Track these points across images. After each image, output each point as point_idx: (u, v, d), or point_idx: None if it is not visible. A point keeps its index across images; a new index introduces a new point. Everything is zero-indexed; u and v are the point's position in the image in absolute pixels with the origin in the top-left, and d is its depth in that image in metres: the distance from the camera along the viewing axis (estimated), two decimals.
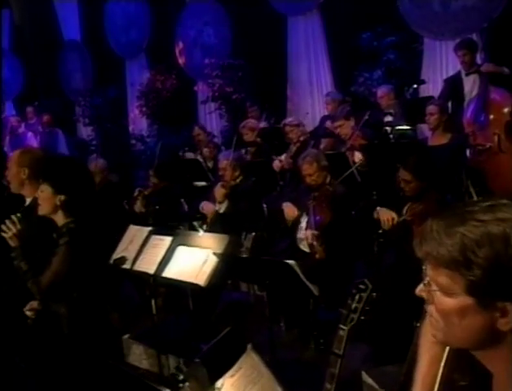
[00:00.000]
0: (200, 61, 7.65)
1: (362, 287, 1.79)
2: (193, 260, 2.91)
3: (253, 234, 2.85)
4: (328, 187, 3.59)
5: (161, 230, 3.35)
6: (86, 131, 9.91)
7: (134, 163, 8.31)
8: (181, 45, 8.05)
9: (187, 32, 8.00)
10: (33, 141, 8.96)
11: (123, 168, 8.52)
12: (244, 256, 2.74)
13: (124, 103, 9.34)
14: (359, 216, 4.00)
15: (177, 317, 3.97)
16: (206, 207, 3.99)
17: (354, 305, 1.79)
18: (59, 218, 2.13)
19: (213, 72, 7.14)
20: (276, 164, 4.94)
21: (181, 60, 8.07)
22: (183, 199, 4.63)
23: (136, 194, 4.37)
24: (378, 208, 3.31)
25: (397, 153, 3.61)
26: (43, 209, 2.12)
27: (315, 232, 3.33)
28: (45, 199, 2.08)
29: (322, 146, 5.50)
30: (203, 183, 5.16)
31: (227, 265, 2.69)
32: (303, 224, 3.52)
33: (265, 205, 4.14)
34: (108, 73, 9.23)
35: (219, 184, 3.95)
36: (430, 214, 2.96)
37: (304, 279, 2.41)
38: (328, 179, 3.71)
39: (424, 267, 0.94)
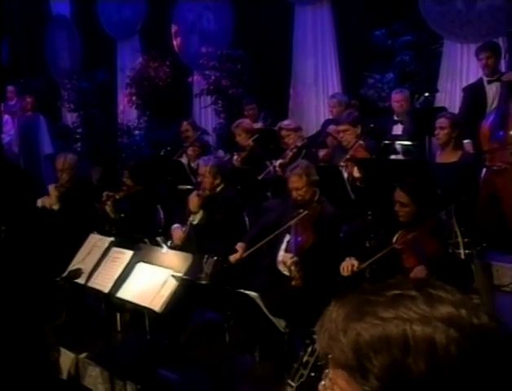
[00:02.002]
0: (197, 49, 7.60)
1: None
2: (152, 280, 2.88)
3: (215, 258, 2.79)
4: (316, 205, 3.52)
5: (123, 241, 3.31)
6: (71, 118, 9.87)
7: (118, 157, 8.27)
8: (177, 29, 7.99)
9: (186, 15, 7.95)
10: (10, 125, 8.90)
11: (109, 161, 8.49)
12: (203, 282, 2.69)
13: (113, 90, 9.30)
14: (350, 239, 3.94)
15: (140, 336, 3.91)
16: (175, 233, 3.97)
17: (305, 359, 1.73)
18: None
19: (209, 63, 7.08)
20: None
21: (176, 47, 8.01)
22: (159, 206, 4.58)
23: (104, 198, 4.31)
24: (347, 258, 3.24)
25: (396, 171, 3.54)
26: None
27: (295, 258, 3.27)
28: None
29: (321, 154, 5.44)
30: (187, 187, 5.10)
31: (187, 289, 2.63)
32: (284, 245, 3.46)
33: (247, 219, 4.09)
34: (98, 55, 9.20)
35: (194, 193, 3.90)
36: (421, 245, 2.88)
37: (267, 313, 2.35)
38: (317, 196, 3.65)
39: (330, 356, 0.86)
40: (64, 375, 3.86)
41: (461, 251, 2.15)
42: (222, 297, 2.55)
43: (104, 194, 4.29)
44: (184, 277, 2.64)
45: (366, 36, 6.11)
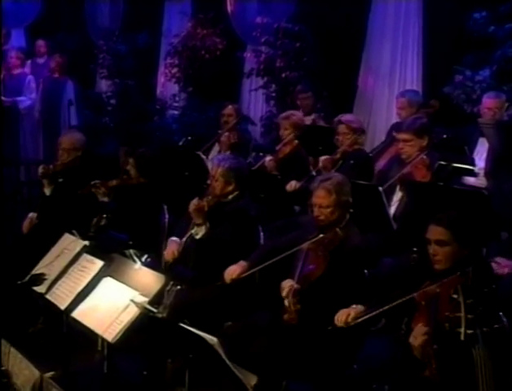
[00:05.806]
0: (252, 18, 7.61)
1: None
2: (114, 301, 2.94)
3: (179, 287, 2.77)
4: (339, 231, 3.46)
5: (98, 247, 3.40)
6: (106, 86, 10.12)
7: (147, 138, 8.40)
8: None
9: None
10: (32, 87, 9.18)
11: (139, 142, 8.65)
12: (159, 315, 2.68)
13: (155, 58, 9.48)
14: (385, 277, 3.83)
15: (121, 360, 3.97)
16: (168, 248, 3.97)
17: None
18: None
19: (262, 37, 7.09)
20: (291, 185, 4.83)
21: (230, 10, 8.03)
22: (166, 207, 4.64)
23: (95, 183, 4.39)
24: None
25: (446, 202, 3.41)
26: None
27: (295, 285, 3.23)
28: None
29: (381, 163, 5.32)
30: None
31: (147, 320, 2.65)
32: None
33: (262, 234, 4.07)
34: (142, 15, 9.40)
35: (195, 200, 3.88)
36: (437, 305, 2.73)
37: (230, 364, 2.33)
38: (345, 220, 3.57)
39: None
40: None
41: (462, 330, 2.00)
42: (181, 337, 2.54)
43: (92, 183, 4.41)
44: (144, 305, 2.66)
45: (461, 19, 5.94)
